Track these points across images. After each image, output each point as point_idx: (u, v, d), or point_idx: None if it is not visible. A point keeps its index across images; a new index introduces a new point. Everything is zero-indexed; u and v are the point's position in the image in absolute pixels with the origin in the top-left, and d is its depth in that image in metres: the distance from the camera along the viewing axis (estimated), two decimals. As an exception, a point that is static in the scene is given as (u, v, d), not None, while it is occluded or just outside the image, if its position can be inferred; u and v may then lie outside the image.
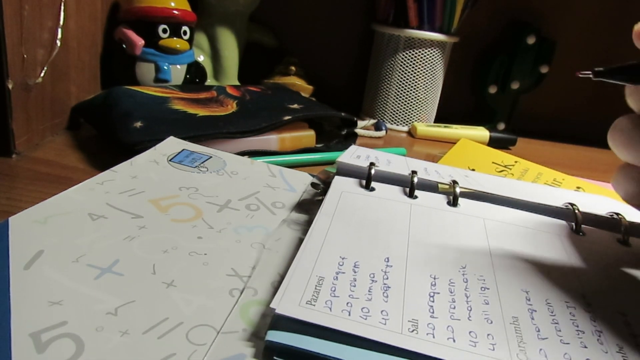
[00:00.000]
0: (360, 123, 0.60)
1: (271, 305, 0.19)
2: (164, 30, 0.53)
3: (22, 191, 0.32)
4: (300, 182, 0.36)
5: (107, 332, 0.19)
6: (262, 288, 0.23)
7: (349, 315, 0.19)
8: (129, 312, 0.20)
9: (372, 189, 0.31)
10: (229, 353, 0.19)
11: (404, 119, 0.65)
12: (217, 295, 0.22)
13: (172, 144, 0.38)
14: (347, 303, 0.20)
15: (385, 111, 0.65)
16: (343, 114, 0.49)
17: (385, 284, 0.21)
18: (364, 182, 0.32)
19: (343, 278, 0.21)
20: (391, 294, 0.21)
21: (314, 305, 0.19)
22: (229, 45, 0.65)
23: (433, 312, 0.20)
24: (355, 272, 0.22)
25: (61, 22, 0.41)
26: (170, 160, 0.35)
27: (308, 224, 0.30)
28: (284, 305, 0.19)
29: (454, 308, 0.20)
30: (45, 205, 0.27)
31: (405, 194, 0.31)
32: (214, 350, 0.19)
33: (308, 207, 0.33)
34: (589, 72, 0.22)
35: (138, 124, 0.39)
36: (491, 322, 0.20)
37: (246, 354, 0.19)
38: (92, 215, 0.27)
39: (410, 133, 0.64)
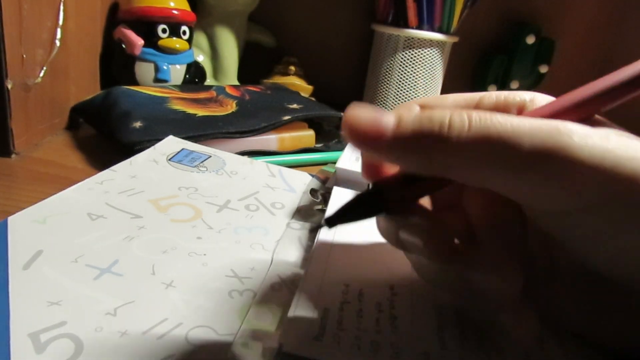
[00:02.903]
0: (360, 123, 0.59)
1: (279, 340, 0.19)
2: (164, 30, 0.53)
3: (21, 191, 0.31)
4: (300, 182, 0.36)
5: (106, 333, 0.19)
6: (262, 290, 0.23)
7: (359, 349, 0.19)
8: (128, 312, 0.20)
9: None
10: (228, 354, 0.19)
11: (404, 119, 0.65)
12: (217, 296, 0.22)
13: (171, 143, 0.38)
14: (356, 337, 0.19)
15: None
16: (342, 114, 0.49)
17: (392, 313, 0.21)
18: None
19: (349, 308, 0.21)
20: (399, 325, 0.20)
21: (322, 340, 0.19)
22: (229, 45, 0.65)
23: (444, 344, 0.19)
24: (360, 301, 0.21)
25: (60, 22, 0.41)
26: (169, 160, 0.35)
27: (308, 224, 0.30)
28: (290, 342, 0.18)
29: (465, 339, 0.20)
30: (44, 205, 0.27)
31: None
32: (213, 352, 0.19)
33: (308, 208, 0.33)
34: (324, 224, 0.20)
35: (137, 124, 0.39)
36: (502, 350, 0.19)
37: (245, 356, 0.19)
38: (91, 215, 0.27)
39: (410, 133, 0.64)
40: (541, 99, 0.19)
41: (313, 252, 0.25)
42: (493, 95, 0.19)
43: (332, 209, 0.29)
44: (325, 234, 0.27)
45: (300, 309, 0.20)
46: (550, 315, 0.20)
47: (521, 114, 0.19)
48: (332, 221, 0.19)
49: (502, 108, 0.19)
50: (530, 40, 0.68)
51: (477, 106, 0.20)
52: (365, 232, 0.27)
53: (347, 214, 0.19)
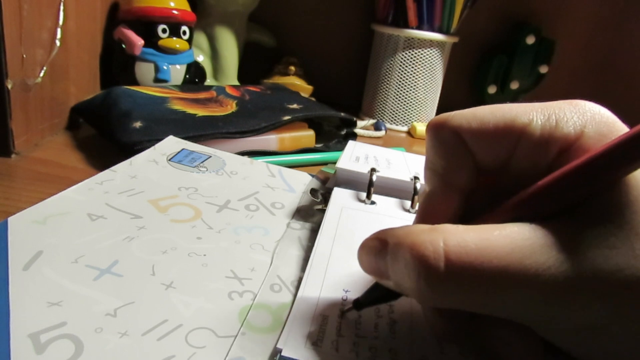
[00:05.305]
0: (360, 123, 0.60)
1: (277, 346, 0.19)
2: (164, 30, 0.53)
3: (21, 191, 0.31)
4: (300, 183, 0.36)
5: (106, 334, 0.19)
6: (262, 291, 0.23)
7: (357, 356, 0.19)
8: (128, 313, 0.20)
9: (373, 203, 0.31)
10: (227, 356, 0.19)
11: (404, 119, 0.65)
12: (216, 297, 0.22)
13: (171, 143, 0.38)
14: (354, 343, 0.19)
15: (385, 111, 0.65)
16: (342, 114, 0.49)
17: (391, 318, 0.21)
18: (363, 195, 0.31)
19: (348, 315, 0.21)
20: (398, 329, 0.20)
21: (320, 346, 0.19)
22: (229, 45, 0.65)
23: (442, 349, 0.19)
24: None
25: (60, 22, 0.41)
26: (169, 160, 0.35)
27: (308, 224, 0.30)
28: (290, 347, 0.19)
29: None
30: (44, 205, 0.27)
31: (406, 209, 0.31)
32: (213, 353, 0.19)
33: (308, 208, 0.33)
34: (351, 306, 0.21)
35: (137, 124, 0.39)
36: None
37: (245, 357, 0.19)
38: (91, 215, 0.27)
39: (410, 133, 0.64)
40: (592, 134, 0.17)
41: (313, 257, 0.25)
42: (539, 125, 0.18)
43: (330, 213, 0.29)
44: (326, 236, 0.27)
45: (300, 314, 0.21)
46: None
47: (565, 151, 0.17)
48: (360, 304, 0.21)
49: (545, 143, 0.18)
50: (530, 40, 0.68)
51: (522, 135, 0.18)
52: (365, 235, 0.27)
53: (376, 297, 0.20)
